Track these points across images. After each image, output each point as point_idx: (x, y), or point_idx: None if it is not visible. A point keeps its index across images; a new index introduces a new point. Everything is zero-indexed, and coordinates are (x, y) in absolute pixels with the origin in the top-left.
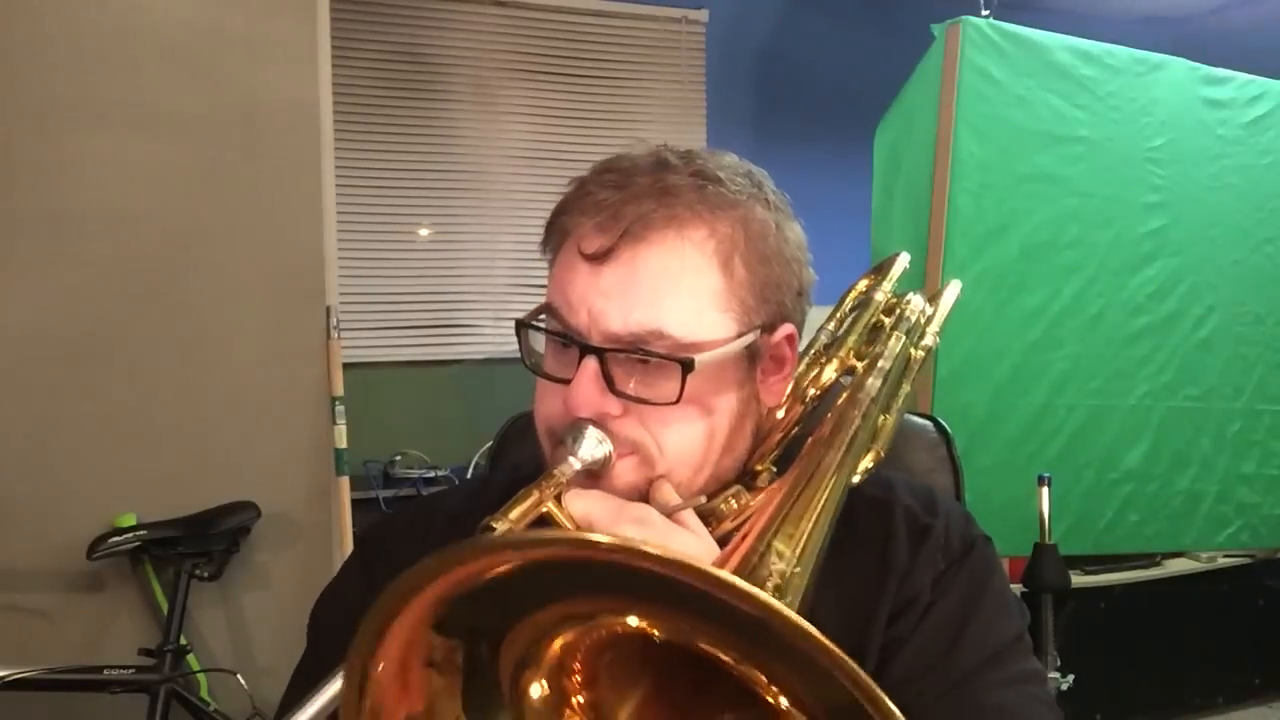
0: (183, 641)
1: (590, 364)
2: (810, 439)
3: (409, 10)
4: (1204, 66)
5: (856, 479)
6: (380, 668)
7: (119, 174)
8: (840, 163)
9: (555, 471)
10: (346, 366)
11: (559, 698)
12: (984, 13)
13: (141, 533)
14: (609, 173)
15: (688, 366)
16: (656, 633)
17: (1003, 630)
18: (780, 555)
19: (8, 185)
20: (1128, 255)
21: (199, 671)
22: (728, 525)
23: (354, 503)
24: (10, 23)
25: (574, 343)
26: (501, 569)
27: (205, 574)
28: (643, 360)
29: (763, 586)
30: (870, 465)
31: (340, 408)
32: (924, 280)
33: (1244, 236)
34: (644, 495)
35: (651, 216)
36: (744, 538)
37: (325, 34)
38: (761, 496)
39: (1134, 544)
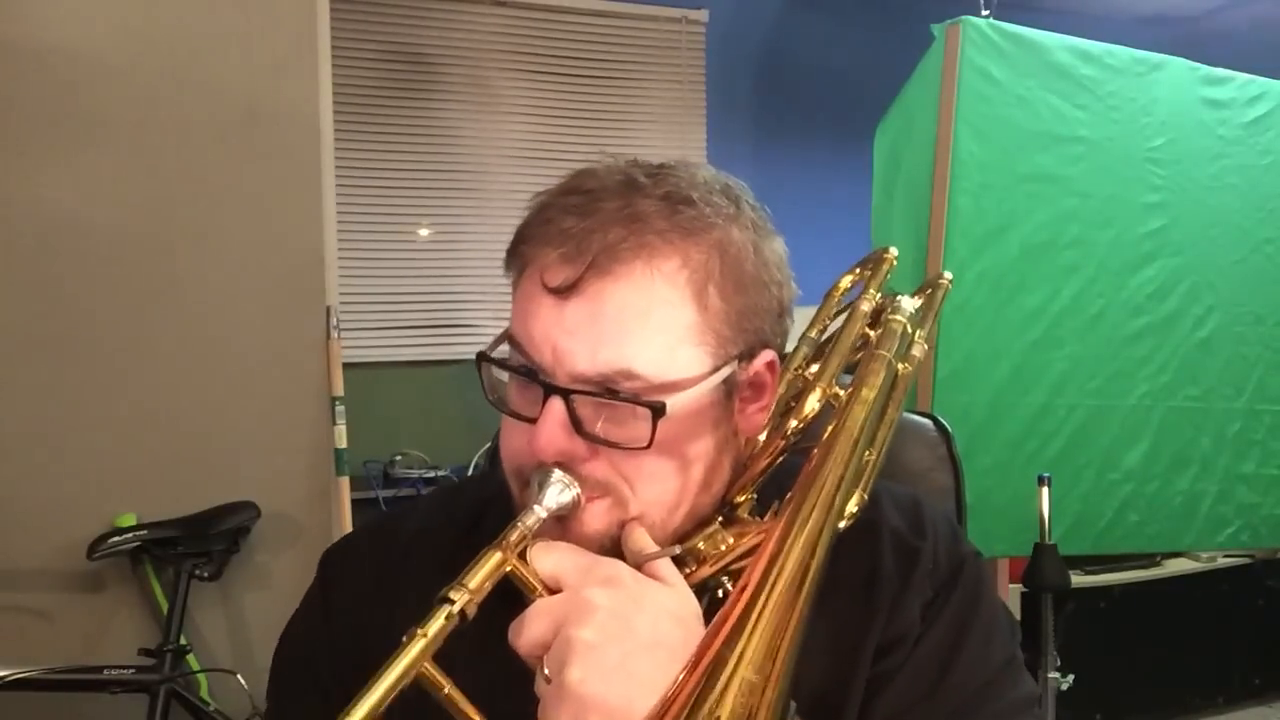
0: (183, 641)
1: (556, 405)
2: (789, 495)
3: (409, 10)
4: (1204, 66)
5: (842, 524)
6: None
7: (118, 175)
8: (840, 162)
9: (519, 524)
10: (346, 366)
11: None
12: (984, 13)
13: (141, 533)
14: (573, 195)
15: (658, 411)
16: None
17: (993, 656)
18: (753, 689)
19: (7, 185)
20: (1128, 255)
21: (199, 671)
22: (707, 570)
23: (354, 503)
24: (10, 24)
25: (538, 383)
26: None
27: (205, 574)
28: (611, 400)
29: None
30: (855, 510)
31: (340, 408)
32: (923, 280)
33: (1244, 236)
34: (616, 540)
35: (619, 248)
36: (701, 658)
37: (325, 34)
38: (745, 540)
39: (1134, 544)
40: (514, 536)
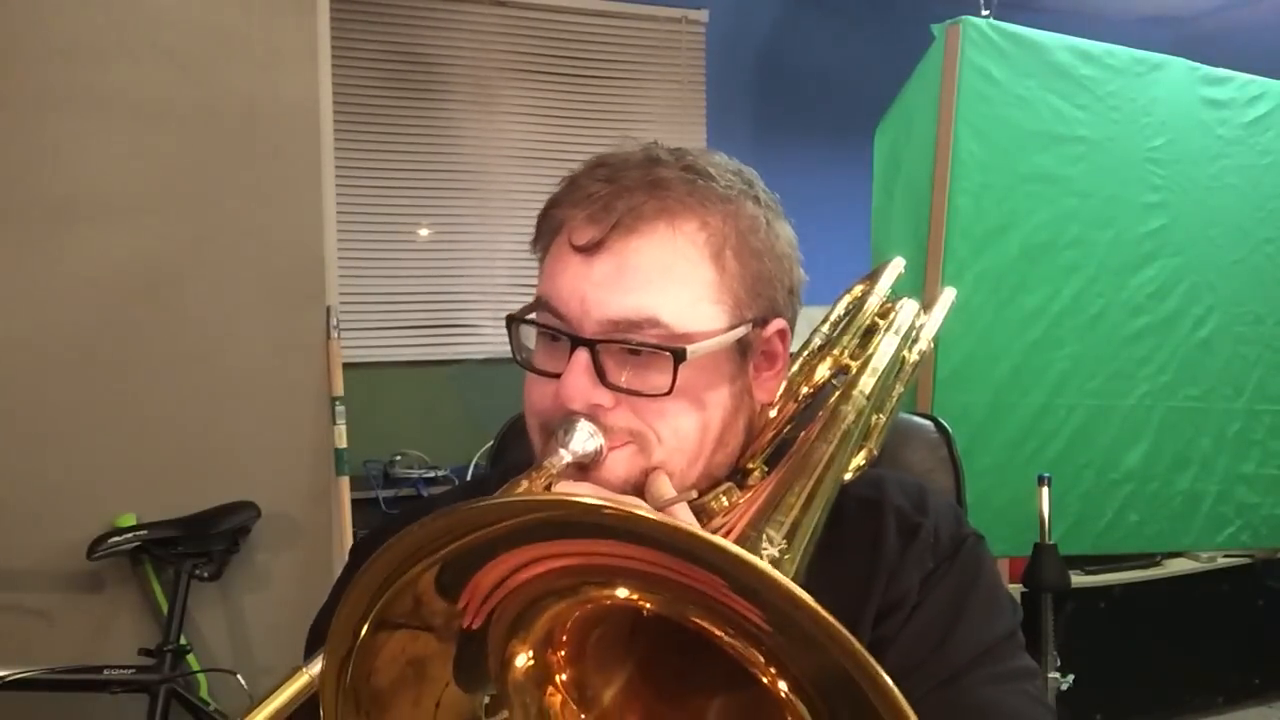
0: (183, 641)
1: (581, 356)
2: (802, 435)
3: (409, 10)
4: (1204, 66)
5: (848, 476)
6: (376, 618)
7: (119, 174)
8: (840, 163)
9: (545, 463)
10: (346, 366)
11: (543, 673)
12: (984, 13)
13: (141, 533)
14: (600, 167)
15: (679, 356)
16: (648, 606)
17: (993, 627)
18: (771, 540)
19: (7, 185)
20: (1128, 255)
21: (199, 671)
22: (719, 522)
23: (354, 503)
24: (10, 23)
25: (565, 335)
26: (503, 532)
27: (205, 574)
28: (634, 352)
29: None
30: (862, 463)
31: (340, 408)
32: (924, 280)
33: (1244, 236)
34: (638, 488)
35: (643, 208)
36: (735, 523)
37: (325, 34)
38: (752, 494)
39: (1134, 544)
40: (540, 472)
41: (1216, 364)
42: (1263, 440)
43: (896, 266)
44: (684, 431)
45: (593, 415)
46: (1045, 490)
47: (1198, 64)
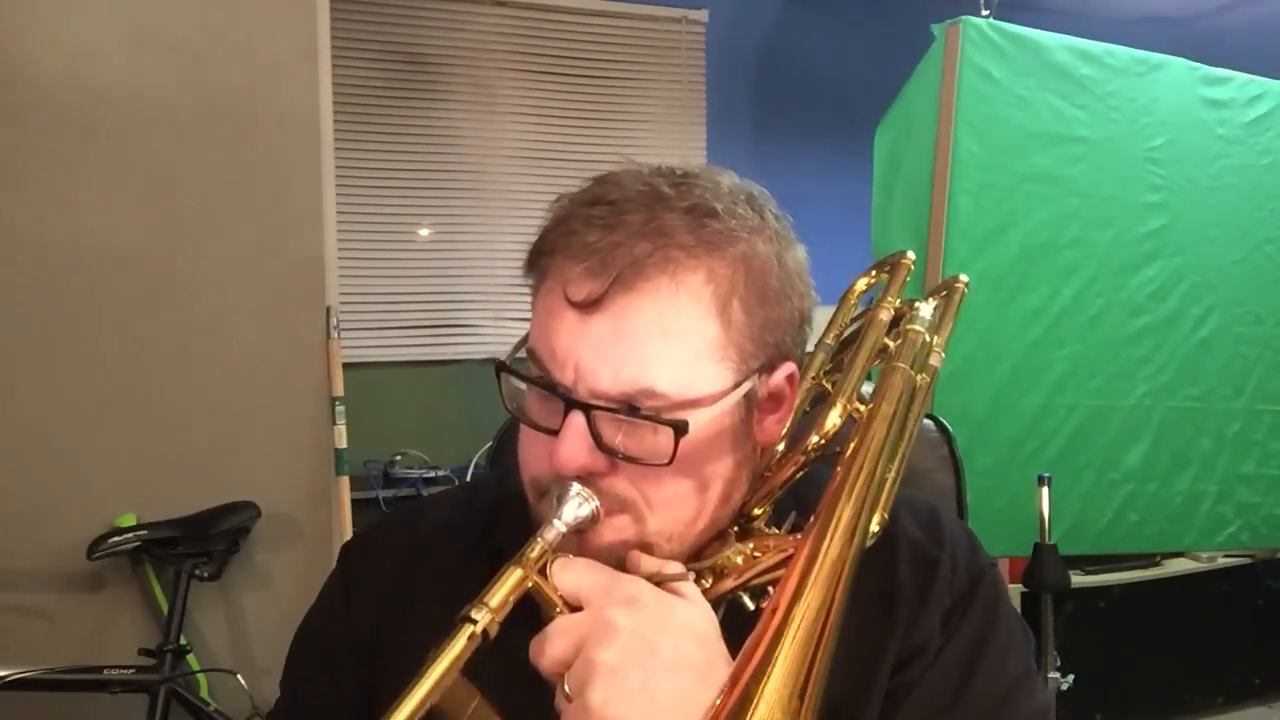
0: (183, 641)
1: (577, 420)
2: (812, 520)
3: (409, 10)
4: (1204, 66)
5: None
6: None
7: (118, 174)
8: (840, 163)
9: (539, 540)
10: (346, 366)
11: None
12: (984, 13)
13: (141, 533)
14: (597, 205)
15: (680, 430)
16: None
17: (1011, 668)
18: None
19: (7, 186)
20: (1128, 255)
21: (199, 671)
22: (728, 584)
23: (354, 503)
24: (8, 25)
25: (559, 397)
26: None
27: (205, 574)
28: (631, 419)
29: None
30: (876, 529)
31: (340, 408)
32: (924, 280)
33: (1244, 236)
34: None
35: (644, 263)
36: (738, 690)
37: (325, 34)
38: (767, 557)
39: (1134, 544)
40: (534, 553)
41: (1216, 364)
42: (1263, 440)
43: (907, 265)
44: (683, 498)
45: (587, 480)
46: (1045, 490)
47: (1198, 64)
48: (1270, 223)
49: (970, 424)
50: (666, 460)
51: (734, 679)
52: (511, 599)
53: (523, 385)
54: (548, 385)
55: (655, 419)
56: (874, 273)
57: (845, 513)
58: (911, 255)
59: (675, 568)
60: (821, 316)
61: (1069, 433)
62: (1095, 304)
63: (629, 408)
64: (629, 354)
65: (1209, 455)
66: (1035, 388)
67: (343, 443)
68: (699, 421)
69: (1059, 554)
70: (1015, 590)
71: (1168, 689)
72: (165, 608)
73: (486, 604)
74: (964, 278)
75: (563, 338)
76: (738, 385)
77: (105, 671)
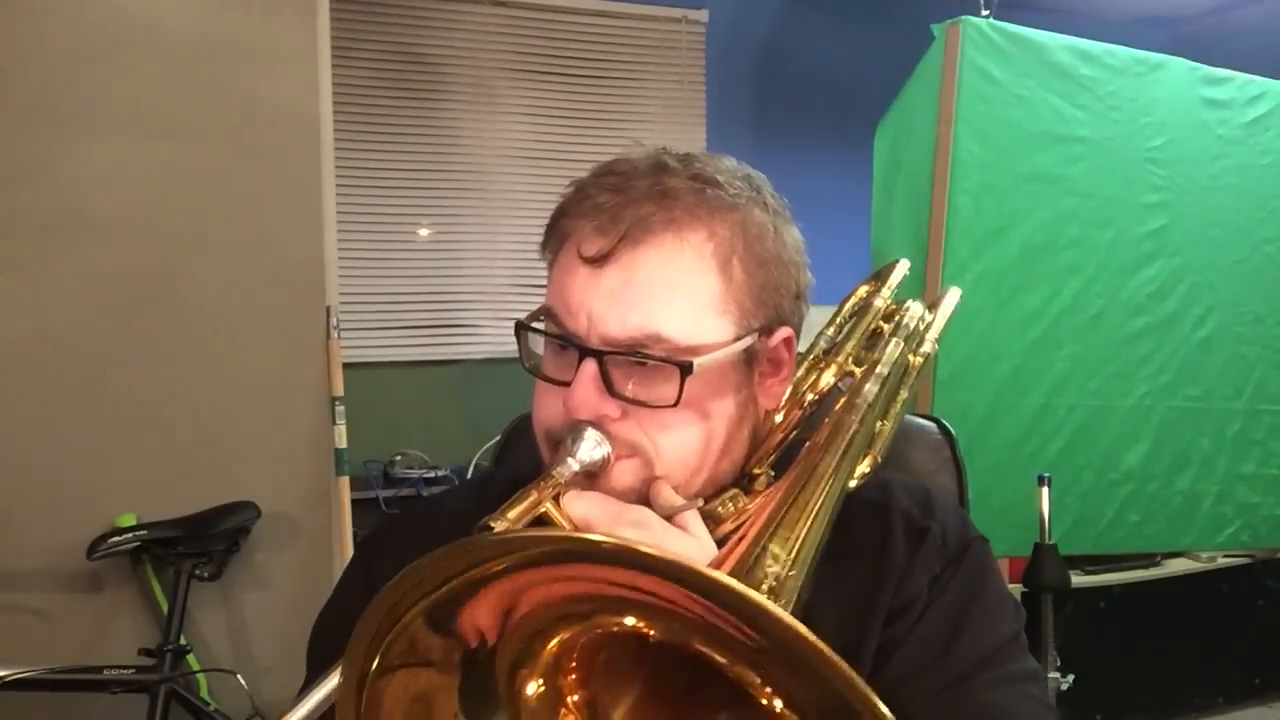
0: (183, 641)
1: (589, 366)
2: (807, 444)
3: (409, 10)
4: (1204, 66)
5: (853, 483)
6: (377, 665)
7: (118, 175)
8: (840, 163)
9: (554, 472)
10: (346, 366)
11: (555, 696)
12: (984, 13)
13: (141, 533)
14: (608, 175)
15: (685, 370)
16: (652, 633)
17: (999, 630)
18: (775, 558)
19: (7, 188)
20: (1128, 255)
21: (199, 671)
22: (727, 527)
23: (354, 503)
24: (7, 25)
25: (573, 345)
26: (498, 567)
27: (205, 574)
28: (641, 363)
29: (758, 589)
30: (867, 470)
31: (340, 408)
32: (924, 281)
33: (1244, 236)
34: (643, 497)
35: (650, 220)
36: (739, 540)
37: (325, 35)
38: (759, 500)
39: (1134, 544)
40: (548, 482)
41: (1216, 364)
42: (1263, 440)
43: (901, 269)
44: (688, 444)
45: (599, 425)
46: (1045, 490)
47: (1198, 64)
48: (1270, 223)
49: (970, 424)
50: (673, 402)
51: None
52: (526, 518)
53: (539, 350)
54: (562, 337)
55: (663, 359)
56: (874, 282)
57: (830, 450)
58: (906, 263)
59: (693, 501)
60: (821, 318)
61: (1069, 433)
62: (1095, 304)
63: (637, 352)
64: (637, 302)
65: (1209, 455)
66: (1035, 388)
67: (343, 443)
68: (702, 366)
69: (1059, 554)
70: (1015, 590)
71: (1168, 689)
72: (165, 608)
73: (505, 515)
74: (957, 290)
75: (576, 290)
76: (738, 339)
77: (105, 671)
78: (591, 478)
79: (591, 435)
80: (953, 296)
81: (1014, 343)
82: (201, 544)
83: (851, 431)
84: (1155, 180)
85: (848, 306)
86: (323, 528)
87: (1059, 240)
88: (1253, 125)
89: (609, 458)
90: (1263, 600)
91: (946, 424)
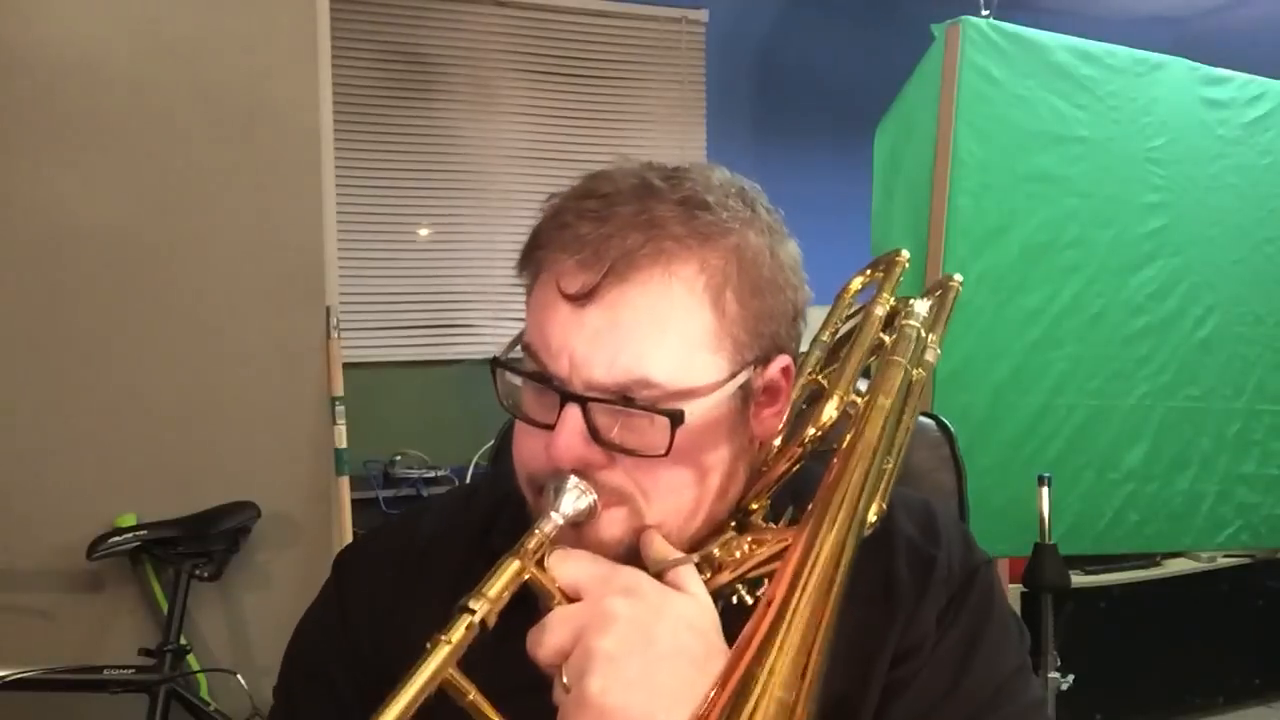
0: (183, 641)
1: (573, 413)
2: (810, 510)
3: (409, 10)
4: (1204, 66)
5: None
6: None
7: (118, 174)
8: (840, 163)
9: (536, 531)
10: (346, 366)
11: None
12: (984, 13)
13: (141, 533)
14: (589, 199)
15: (676, 419)
16: None
17: (1005, 663)
18: (783, 707)
19: (7, 187)
20: (1128, 255)
21: (199, 671)
22: (725, 577)
23: (354, 503)
24: (7, 25)
25: (555, 390)
26: None
27: (205, 574)
28: (627, 410)
29: None
30: (875, 519)
31: (340, 408)
32: (924, 281)
33: (1244, 236)
34: (632, 548)
35: (636, 254)
36: (733, 683)
37: (325, 34)
38: (764, 549)
39: (1134, 544)
40: (532, 544)
41: (1216, 364)
42: (1263, 440)
43: (901, 263)
44: (681, 491)
45: (584, 472)
46: (1045, 490)
47: (1198, 64)
48: (1270, 223)
49: (970, 424)
50: (663, 451)
51: (731, 668)
52: (508, 592)
53: (518, 381)
54: (543, 378)
55: (651, 409)
56: (869, 271)
57: (842, 503)
58: (906, 254)
59: (688, 556)
60: (819, 317)
61: (1069, 433)
62: (1095, 304)
63: (624, 399)
64: (623, 344)
65: (1209, 455)
66: (1035, 388)
67: (343, 443)
68: (695, 412)
69: (1059, 554)
70: (1015, 590)
71: (1168, 689)
72: (165, 608)
73: (485, 594)
74: (958, 276)
75: (557, 330)
76: (733, 376)
77: (105, 671)
78: (578, 527)
79: (575, 485)
80: (954, 288)
81: (1014, 343)
82: (201, 544)
83: (860, 485)
84: (1155, 180)
85: (844, 306)
86: (323, 528)
87: (1059, 240)
88: (1253, 125)
89: (594, 505)
90: (1263, 600)
91: (945, 421)
